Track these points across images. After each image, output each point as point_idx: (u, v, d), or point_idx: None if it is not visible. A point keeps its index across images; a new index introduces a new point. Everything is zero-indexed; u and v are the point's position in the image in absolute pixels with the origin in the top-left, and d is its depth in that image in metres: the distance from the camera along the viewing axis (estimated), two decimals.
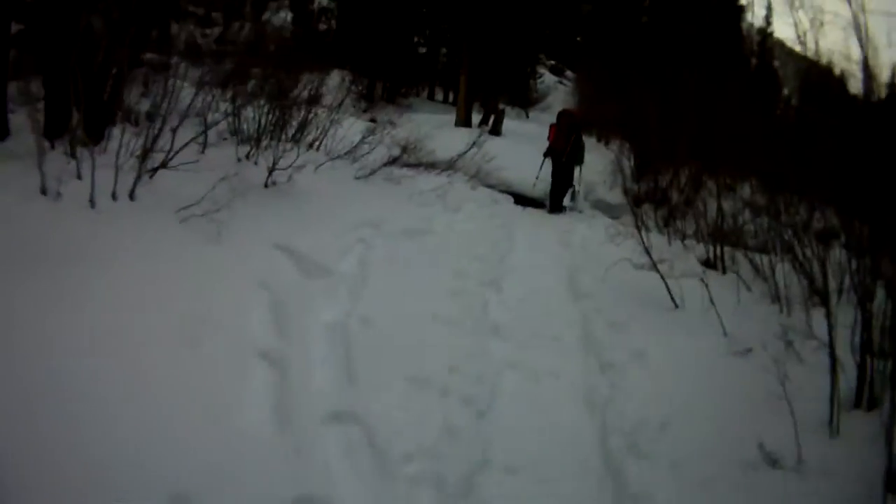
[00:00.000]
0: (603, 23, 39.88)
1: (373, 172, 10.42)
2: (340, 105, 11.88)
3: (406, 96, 32.72)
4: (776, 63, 29.26)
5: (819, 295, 6.60)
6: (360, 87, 29.48)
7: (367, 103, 28.94)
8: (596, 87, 24.24)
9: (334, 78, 22.12)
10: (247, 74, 10.44)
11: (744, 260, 8.95)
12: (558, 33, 43.04)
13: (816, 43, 7.51)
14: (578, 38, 44.83)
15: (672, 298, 7.29)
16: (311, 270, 6.43)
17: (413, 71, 33.81)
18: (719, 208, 9.85)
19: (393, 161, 11.25)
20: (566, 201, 13.76)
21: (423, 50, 36.07)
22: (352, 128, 11.24)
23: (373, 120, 22.10)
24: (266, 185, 7.87)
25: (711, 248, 9.46)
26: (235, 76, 10.00)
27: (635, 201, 13.63)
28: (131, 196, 5.97)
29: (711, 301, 6.80)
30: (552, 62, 47.69)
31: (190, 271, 5.35)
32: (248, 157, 8.48)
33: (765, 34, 35.00)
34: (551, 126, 13.70)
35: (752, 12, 41.22)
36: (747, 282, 8.13)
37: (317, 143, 10.77)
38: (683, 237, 10.72)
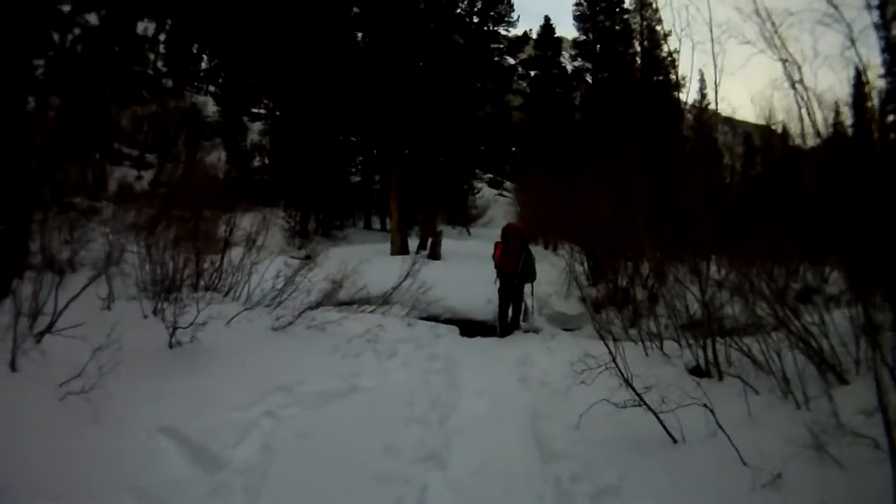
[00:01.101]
0: (537, 127, 41.08)
1: (293, 321, 9.00)
2: (253, 245, 10.78)
3: (342, 228, 31.86)
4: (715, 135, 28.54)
5: (834, 372, 6.21)
6: (293, 223, 28.74)
7: (300, 239, 27.90)
8: (537, 193, 23.05)
9: (256, 217, 22.05)
10: (173, 217, 10.33)
11: (737, 355, 7.62)
12: (492, 146, 43.32)
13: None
14: (514, 148, 45.91)
15: (669, 434, 5.70)
16: (199, 461, 5.30)
17: (347, 201, 33.00)
18: (703, 293, 8.70)
19: (317, 305, 9.95)
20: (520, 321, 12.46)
21: (356, 179, 35.32)
22: (273, 269, 10.07)
23: (307, 257, 21.29)
24: (170, 346, 7.03)
25: (700, 352, 7.95)
26: (160, 220, 9.98)
27: (595, 307, 12.86)
28: (12, 366, 5.43)
29: (719, 426, 5.38)
30: (489, 175, 47.81)
31: (55, 469, 4.57)
32: (154, 312, 7.64)
33: (701, 108, 34.64)
34: (496, 244, 12.45)
35: (685, 88, 41.17)
36: (750, 382, 6.71)
37: (233, 291, 10.09)
38: (661, 341, 9.23)
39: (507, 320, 12.26)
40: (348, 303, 11.72)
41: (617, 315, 11.86)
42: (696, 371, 7.84)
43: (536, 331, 12.14)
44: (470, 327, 12.45)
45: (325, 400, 7.00)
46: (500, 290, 12.25)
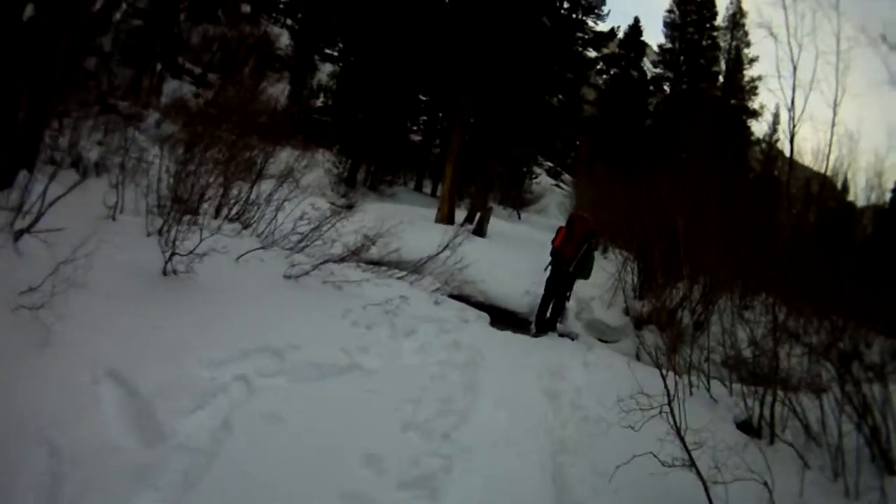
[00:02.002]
0: (607, 125, 41.30)
1: (309, 271, 7.99)
2: (286, 179, 9.92)
3: (391, 184, 30.68)
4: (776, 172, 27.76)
5: (887, 460, 5.57)
6: (342, 169, 27.86)
7: (346, 187, 27.13)
8: (598, 189, 22.35)
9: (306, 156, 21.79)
10: (218, 139, 9.31)
11: (792, 418, 6.62)
12: (559, 134, 43.78)
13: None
14: (578, 142, 45.94)
15: None
16: (141, 427, 4.21)
17: (402, 158, 31.95)
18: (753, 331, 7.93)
19: (341, 259, 9.02)
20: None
21: (416, 138, 34.50)
22: (307, 209, 9.13)
23: (349, 206, 20.62)
24: (164, 273, 6.12)
25: (754, 405, 6.85)
26: (202, 137, 9.02)
27: (636, 323, 12.10)
28: None
29: None
30: (549, 164, 47.06)
31: None
32: (160, 232, 6.63)
33: (770, 143, 33.67)
34: (560, 228, 11.27)
35: (760, 119, 40.28)
36: (801, 451, 5.85)
37: (255, 226, 9.23)
38: (708, 380, 8.04)
39: (546, 315, 11.15)
40: (377, 263, 10.84)
41: (660, 336, 10.71)
42: (746, 427, 6.84)
43: (573, 337, 10.99)
44: (502, 317, 11.54)
45: (316, 374, 5.87)
46: (548, 279, 11.06)
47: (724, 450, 4.96)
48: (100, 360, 4.52)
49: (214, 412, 4.64)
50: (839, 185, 20.41)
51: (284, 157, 11.21)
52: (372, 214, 10.97)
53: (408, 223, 11.72)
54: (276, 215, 9.06)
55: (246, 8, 35.68)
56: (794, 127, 14.40)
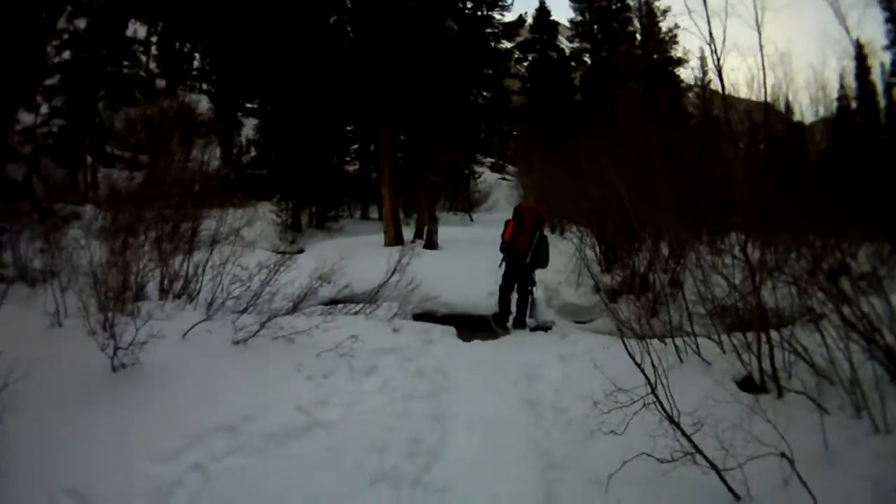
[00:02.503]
0: (537, 110, 41.25)
1: (257, 331, 7.37)
2: (218, 242, 9.51)
3: (337, 219, 30.26)
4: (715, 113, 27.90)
5: None
6: (285, 217, 27.74)
7: (293, 233, 27.07)
8: (541, 174, 21.98)
9: (247, 212, 21.61)
10: (157, 217, 9.36)
11: (795, 361, 6.12)
12: (492, 130, 45.76)
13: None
14: (514, 132, 45.72)
15: (731, 490, 4.18)
16: None
17: (342, 191, 31.61)
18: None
19: (293, 308, 8.49)
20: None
21: (353, 168, 34.17)
22: (248, 265, 8.56)
23: (300, 251, 20.38)
24: (113, 369, 5.68)
25: (751, 359, 6.31)
26: (141, 220, 9.00)
27: (610, 296, 11.61)
28: None
29: (800, 478, 3.92)
30: (490, 160, 47.38)
31: None
32: (104, 328, 6.08)
33: (703, 85, 33.66)
34: (507, 222, 10.97)
35: (687, 65, 40.38)
36: (814, 397, 5.29)
37: (198, 296, 8.67)
38: (696, 340, 7.51)
39: (508, 307, 10.86)
40: (333, 302, 10.35)
41: (636, 304, 10.29)
42: (748, 384, 6.28)
43: (546, 327, 10.56)
44: (469, 324, 11.07)
45: (273, 443, 5.34)
46: (504, 273, 10.84)
47: (728, 427, 4.44)
48: (55, 480, 4.24)
49: None
50: (783, 108, 20.28)
51: (229, 219, 10.87)
52: (314, 256, 10.39)
53: (353, 256, 11.16)
54: (220, 280, 8.43)
55: (161, 83, 37.26)
56: (718, 60, 14.00)
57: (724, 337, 7.22)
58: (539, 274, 11.11)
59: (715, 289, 8.14)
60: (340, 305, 10.25)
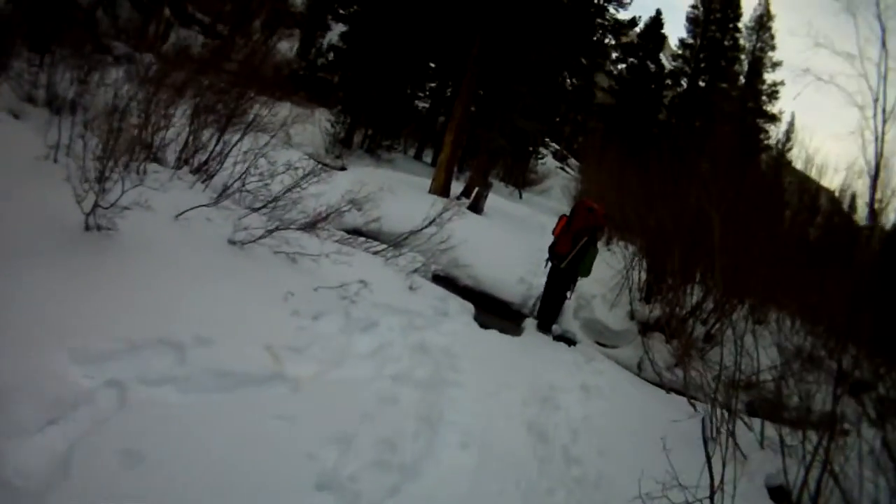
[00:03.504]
0: (620, 113, 41.09)
1: (261, 237, 6.41)
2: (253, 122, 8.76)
3: (390, 150, 29.17)
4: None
5: None
6: (338, 129, 26.82)
7: (342, 148, 26.30)
8: (608, 175, 21.04)
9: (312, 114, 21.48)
10: (209, 86, 8.72)
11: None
12: (569, 118, 45.39)
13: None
14: (589, 127, 45.30)
15: None
16: None
17: (404, 123, 30.49)
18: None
19: (312, 224, 7.46)
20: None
21: (422, 105, 33.36)
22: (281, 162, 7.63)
23: (342, 168, 19.59)
24: (87, 228, 4.85)
25: (798, 468, 5.29)
26: (189, 83, 8.55)
27: (641, 328, 10.71)
28: None
29: None
30: (555, 147, 46.34)
31: None
32: (99, 179, 5.05)
33: (782, 153, 32.62)
34: (561, 217, 9.96)
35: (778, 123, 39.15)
36: None
37: (215, 178, 7.92)
38: (731, 417, 6.19)
39: (545, 315, 9.87)
40: (355, 232, 9.84)
41: (664, 342, 9.91)
42: (781, 494, 5.37)
43: (569, 340, 9.52)
44: (491, 307, 10.43)
45: (217, 385, 4.19)
46: (549, 273, 9.86)
47: None
48: None
49: (63, 434, 3.21)
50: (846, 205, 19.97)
51: (283, 113, 9.98)
52: (351, 178, 9.37)
53: (388, 191, 10.26)
54: (244, 168, 7.47)
55: None
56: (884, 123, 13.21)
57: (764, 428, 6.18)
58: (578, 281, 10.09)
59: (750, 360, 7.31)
60: (362, 240, 9.38)
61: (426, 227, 10.14)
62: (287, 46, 31.94)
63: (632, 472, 4.43)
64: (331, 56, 31.90)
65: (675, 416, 6.13)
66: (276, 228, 6.57)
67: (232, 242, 6.17)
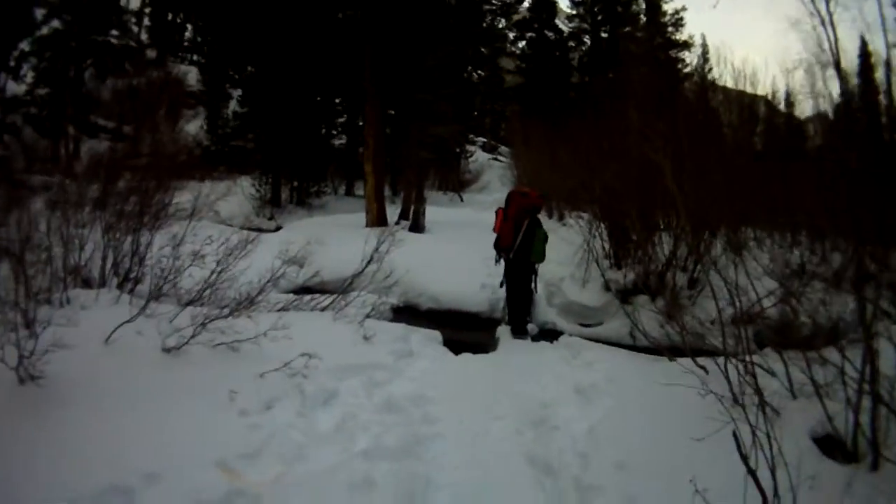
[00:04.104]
0: (533, 90, 40.94)
1: (193, 335, 5.74)
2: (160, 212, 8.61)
3: (319, 195, 28.71)
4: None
5: None
6: (263, 191, 26.49)
7: (271, 209, 25.95)
8: (537, 154, 20.84)
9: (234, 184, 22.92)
10: (129, 190, 8.84)
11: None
12: (486, 109, 45.63)
13: None
14: (507, 112, 45.06)
15: None
16: None
17: (326, 165, 30.12)
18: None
19: (247, 303, 6.77)
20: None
21: (340, 142, 32.65)
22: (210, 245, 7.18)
23: (278, 228, 19.31)
24: (21, 381, 4.49)
25: (846, 411, 4.53)
26: (108, 193, 8.75)
27: (621, 296, 10.03)
28: None
29: None
30: (482, 140, 46.95)
31: None
32: (28, 324, 4.95)
33: (703, 75, 32.46)
34: (497, 211, 9.51)
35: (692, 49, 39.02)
36: None
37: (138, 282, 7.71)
38: (749, 365, 5.39)
39: (515, 315, 9.30)
40: (302, 290, 9.60)
41: (652, 305, 9.07)
42: (832, 444, 4.60)
43: (550, 334, 9.07)
44: (460, 323, 9.97)
45: None
46: (504, 272, 9.33)
47: None
48: None
49: None
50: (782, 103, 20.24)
51: (205, 193, 10.18)
52: (283, 238, 8.76)
53: (324, 239, 10.03)
54: (169, 264, 6.99)
55: (152, 53, 38.11)
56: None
57: (789, 365, 5.44)
58: (540, 268, 9.53)
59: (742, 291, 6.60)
60: (308, 298, 8.75)
61: (366, 267, 9.55)
62: (196, 127, 32.34)
63: (663, 478, 3.80)
64: (236, 123, 31.44)
65: (687, 385, 5.48)
66: (202, 323, 5.86)
67: (166, 350, 5.56)
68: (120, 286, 7.47)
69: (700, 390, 5.11)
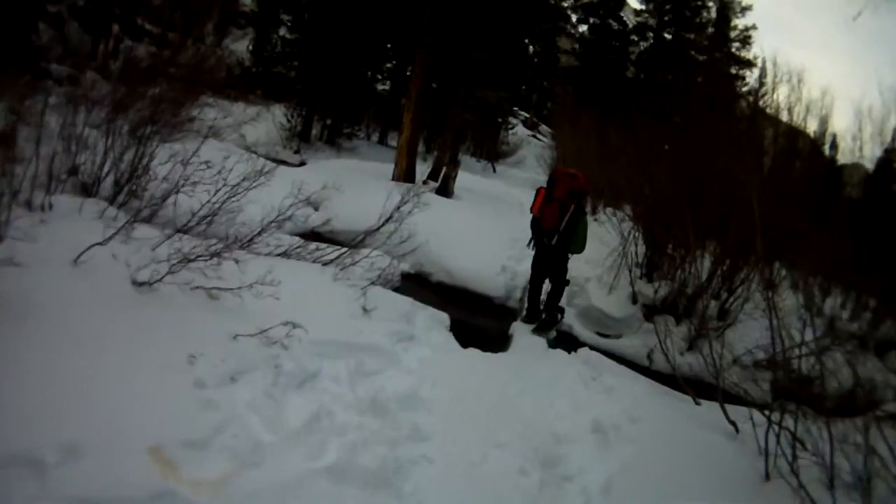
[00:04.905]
0: (587, 75, 40.42)
1: (170, 272, 4.90)
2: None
3: (351, 137, 27.78)
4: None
5: None
6: (294, 123, 25.37)
7: (299, 142, 24.94)
8: (585, 141, 19.78)
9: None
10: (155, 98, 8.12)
11: None
12: (534, 85, 44.18)
13: None
14: (557, 92, 44.20)
15: None
16: None
17: (365, 108, 29.19)
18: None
19: (248, 240, 6.34)
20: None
21: (383, 88, 31.91)
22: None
23: (302, 163, 18.71)
24: None
25: None
26: (133, 98, 7.85)
27: (647, 312, 9.62)
28: None
29: None
30: (524, 115, 46.31)
31: None
32: None
33: (757, 98, 31.64)
34: (538, 190, 8.48)
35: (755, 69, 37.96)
36: None
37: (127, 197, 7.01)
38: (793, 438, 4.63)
39: (538, 303, 8.62)
40: (312, 235, 9.07)
41: (677, 329, 8.68)
42: None
43: (567, 343, 8.27)
44: (470, 305, 9.45)
45: None
46: (534, 257, 8.58)
47: None
48: None
49: None
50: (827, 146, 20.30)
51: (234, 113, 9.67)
52: (284, 179, 7.91)
53: (345, 185, 9.39)
54: (176, 184, 6.40)
55: None
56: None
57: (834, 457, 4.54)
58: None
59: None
60: (313, 246, 7.78)
61: (382, 225, 8.70)
62: (243, 47, 31.55)
63: None
64: (282, 49, 30.57)
65: (716, 435, 4.77)
66: (182, 260, 5.02)
67: (137, 284, 4.76)
68: (112, 199, 6.74)
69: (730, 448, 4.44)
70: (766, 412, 4.77)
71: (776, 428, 4.62)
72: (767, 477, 4.38)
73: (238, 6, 32.76)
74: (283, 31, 31.88)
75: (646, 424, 4.97)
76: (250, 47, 31.81)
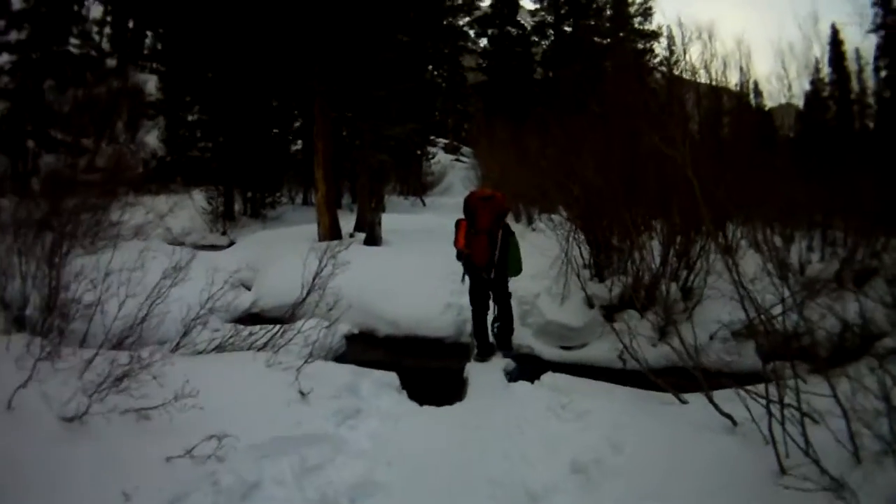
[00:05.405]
0: (496, 87, 40.96)
1: (94, 400, 4.32)
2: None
3: (275, 206, 27.43)
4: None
5: None
6: (216, 204, 25.03)
7: (225, 222, 24.51)
8: (504, 153, 20.11)
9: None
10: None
11: None
12: (447, 108, 44.48)
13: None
14: (470, 110, 44.68)
15: None
16: None
17: (281, 174, 28.86)
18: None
19: (174, 345, 6.22)
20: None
21: (295, 148, 31.51)
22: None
23: (231, 243, 18.81)
24: None
25: None
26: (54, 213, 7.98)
27: (607, 313, 9.20)
28: None
29: None
30: (444, 141, 46.37)
31: None
32: None
33: (669, 65, 31.95)
34: (458, 222, 8.27)
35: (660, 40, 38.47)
36: None
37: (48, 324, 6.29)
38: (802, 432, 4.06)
39: (486, 333, 8.33)
40: (248, 318, 8.91)
41: (641, 321, 8.41)
42: None
43: (530, 371, 7.58)
44: (421, 351, 9.11)
45: None
46: (471, 292, 8.29)
47: None
48: None
49: None
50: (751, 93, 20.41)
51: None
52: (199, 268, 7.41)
53: (270, 259, 9.22)
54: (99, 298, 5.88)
55: (112, 62, 37.17)
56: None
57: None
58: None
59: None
60: (246, 332, 7.30)
61: (307, 296, 8.09)
62: (154, 138, 31.04)
63: None
64: (193, 132, 29.49)
65: (713, 433, 4.36)
66: (100, 386, 4.45)
67: (66, 420, 4.23)
68: (39, 328, 6.16)
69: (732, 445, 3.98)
70: (763, 397, 4.25)
71: (777, 409, 4.13)
72: (783, 471, 3.86)
73: (145, 97, 32.55)
74: (192, 115, 30.97)
75: (631, 448, 4.44)
76: (162, 137, 30.95)
